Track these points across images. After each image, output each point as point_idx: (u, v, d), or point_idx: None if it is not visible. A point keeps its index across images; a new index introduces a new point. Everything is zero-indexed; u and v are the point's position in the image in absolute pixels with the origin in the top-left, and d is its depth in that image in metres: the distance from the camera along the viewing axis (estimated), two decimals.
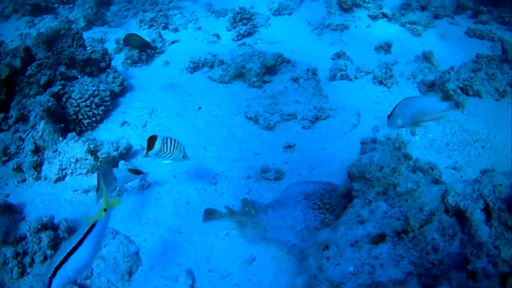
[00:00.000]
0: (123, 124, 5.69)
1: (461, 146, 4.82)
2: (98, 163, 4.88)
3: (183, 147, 4.04)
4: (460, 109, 5.19)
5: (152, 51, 7.08)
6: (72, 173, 4.81)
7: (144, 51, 6.97)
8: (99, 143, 4.96)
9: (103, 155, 4.87)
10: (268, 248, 4.09)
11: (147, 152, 3.80)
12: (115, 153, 4.97)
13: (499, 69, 5.34)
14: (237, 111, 5.91)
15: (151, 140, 3.81)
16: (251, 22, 7.70)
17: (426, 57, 6.23)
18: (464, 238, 3.56)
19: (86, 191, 4.71)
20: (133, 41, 6.60)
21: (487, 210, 3.61)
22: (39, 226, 3.95)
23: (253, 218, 4.24)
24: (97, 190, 3.88)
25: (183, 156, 4.05)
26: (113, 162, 4.91)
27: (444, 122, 5.10)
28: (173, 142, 3.91)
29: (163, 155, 3.91)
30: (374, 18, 7.67)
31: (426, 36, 7.19)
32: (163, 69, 6.95)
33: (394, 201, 3.38)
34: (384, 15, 7.61)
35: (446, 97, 5.25)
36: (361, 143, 3.92)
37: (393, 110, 3.66)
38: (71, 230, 4.10)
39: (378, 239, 3.43)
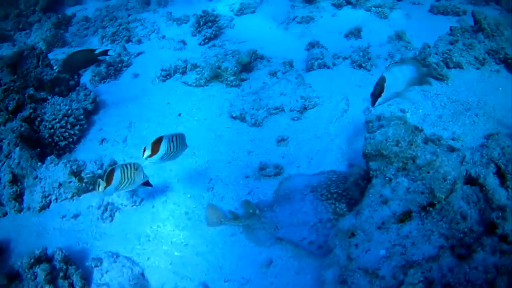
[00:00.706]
0: (102, 141, 5.29)
1: (454, 116, 4.74)
2: (83, 185, 4.47)
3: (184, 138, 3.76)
4: (445, 81, 5.14)
5: (120, 65, 6.68)
6: (56, 199, 4.36)
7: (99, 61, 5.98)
8: (81, 163, 4.55)
9: (87, 175, 4.46)
10: (284, 247, 3.81)
11: (151, 156, 3.49)
12: (100, 171, 4.56)
13: (475, 39, 5.35)
14: (219, 112, 5.60)
15: (156, 144, 3.47)
16: (216, 24, 7.43)
17: (399, 37, 6.18)
18: (481, 204, 3.44)
19: (75, 216, 4.29)
20: (76, 60, 5.00)
21: (499, 173, 3.50)
22: (32, 261, 3.50)
23: (259, 218, 3.96)
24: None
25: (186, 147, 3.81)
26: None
27: (432, 96, 5.03)
28: (179, 138, 3.60)
29: (168, 157, 3.60)
30: (338, 6, 7.59)
31: (393, 18, 7.16)
32: (134, 81, 6.57)
33: (415, 174, 3.20)
34: (348, 2, 7.55)
35: (430, 71, 5.18)
36: (366, 121, 3.74)
37: (377, 85, 3.47)
38: (67, 259, 3.68)
39: (405, 217, 3.23)
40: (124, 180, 3.61)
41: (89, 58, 5.06)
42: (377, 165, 3.28)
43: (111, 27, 7.68)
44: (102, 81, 6.53)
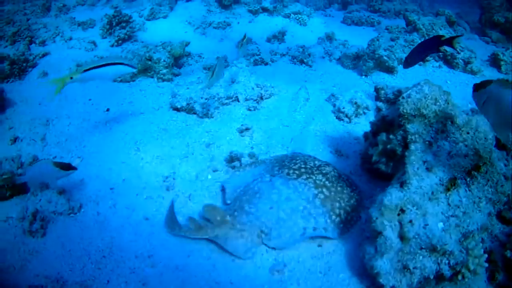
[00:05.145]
0: (14, 140, 3.96)
1: None
2: None
3: None
4: (395, 74, 5.01)
5: (24, 64, 5.22)
6: None
7: None
8: None
9: (4, 176, 3.07)
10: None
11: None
12: (20, 171, 3.26)
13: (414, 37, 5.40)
14: (157, 106, 4.56)
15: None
16: (130, 25, 6.33)
17: (330, 38, 5.97)
18: None
19: None
20: None
21: (499, 145, 3.29)
22: None
23: (233, 226, 3.01)
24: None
25: None
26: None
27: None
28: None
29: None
30: (255, 13, 7.14)
31: (312, 25, 6.96)
32: (44, 80, 5.14)
33: (456, 136, 2.73)
34: (264, 9, 7.16)
35: (380, 63, 4.99)
36: (377, 88, 3.22)
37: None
38: None
39: (450, 184, 2.74)
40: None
41: None
42: (416, 128, 2.75)
43: (12, 27, 5.99)
44: (5, 81, 5.06)
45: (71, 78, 3.50)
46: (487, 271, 2.58)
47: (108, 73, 3.60)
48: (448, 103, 2.81)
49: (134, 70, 3.76)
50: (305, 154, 3.45)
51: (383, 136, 2.88)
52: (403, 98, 2.78)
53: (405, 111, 2.73)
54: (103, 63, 3.55)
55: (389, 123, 2.97)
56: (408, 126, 2.74)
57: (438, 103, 2.77)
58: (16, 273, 2.69)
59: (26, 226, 2.93)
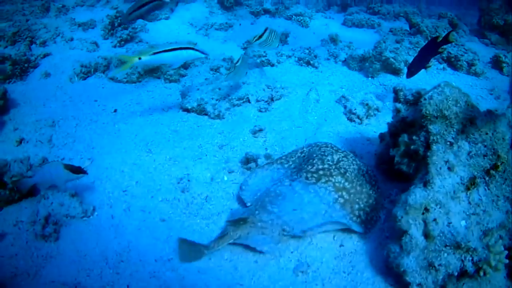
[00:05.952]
0: (20, 142, 3.92)
1: None
2: (7, 192, 3.07)
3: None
4: (401, 75, 5.10)
5: (26, 65, 5.19)
6: None
7: None
8: (3, 162, 3.12)
9: (14, 179, 3.05)
10: (313, 245, 3.00)
11: (256, 40, 4.22)
12: (29, 173, 3.21)
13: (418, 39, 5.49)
14: (167, 106, 4.56)
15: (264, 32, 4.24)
16: (132, 25, 6.33)
17: (334, 40, 6.04)
18: None
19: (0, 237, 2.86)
20: None
21: None
22: None
23: (254, 224, 3.03)
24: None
25: (278, 46, 4.48)
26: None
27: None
28: (275, 33, 4.28)
29: (266, 44, 4.28)
30: (256, 14, 7.20)
31: (314, 26, 7.05)
32: (47, 80, 5.12)
33: (476, 136, 2.80)
34: (266, 11, 7.23)
35: (387, 65, 5.07)
36: (397, 90, 3.28)
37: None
38: None
39: (470, 183, 2.81)
40: (269, 39, 4.24)
41: None
42: (438, 129, 2.81)
43: (12, 27, 5.93)
44: (7, 81, 5.02)
45: (140, 58, 3.55)
46: (506, 267, 2.66)
47: (177, 57, 3.69)
48: (468, 105, 2.87)
49: (204, 56, 3.88)
50: (321, 146, 3.43)
51: (404, 137, 2.94)
52: (425, 99, 2.84)
53: (427, 112, 2.79)
54: (173, 47, 3.62)
55: (409, 124, 3.03)
56: (431, 127, 2.80)
57: (458, 104, 2.83)
58: (30, 279, 2.67)
59: (38, 230, 2.90)
